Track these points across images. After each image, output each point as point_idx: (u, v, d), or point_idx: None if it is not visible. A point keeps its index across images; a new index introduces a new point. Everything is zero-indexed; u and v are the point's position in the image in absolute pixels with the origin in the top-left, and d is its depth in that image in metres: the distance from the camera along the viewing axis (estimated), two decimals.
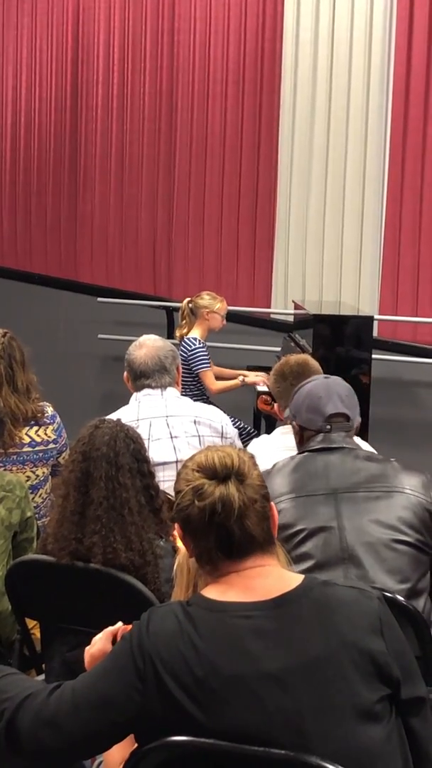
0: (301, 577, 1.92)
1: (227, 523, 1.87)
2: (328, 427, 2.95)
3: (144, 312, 7.71)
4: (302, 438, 3.04)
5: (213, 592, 1.88)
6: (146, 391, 3.85)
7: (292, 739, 1.74)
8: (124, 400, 3.96)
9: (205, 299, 5.96)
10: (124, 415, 3.66)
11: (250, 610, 1.83)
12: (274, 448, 3.49)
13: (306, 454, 2.96)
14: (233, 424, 5.53)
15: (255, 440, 3.94)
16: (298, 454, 3.01)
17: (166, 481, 3.49)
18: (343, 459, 2.89)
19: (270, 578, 1.90)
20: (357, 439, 3.40)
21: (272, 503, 2.00)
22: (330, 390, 3.03)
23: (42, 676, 2.97)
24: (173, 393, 3.88)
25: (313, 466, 2.88)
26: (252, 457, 2.00)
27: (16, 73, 8.29)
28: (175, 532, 2.04)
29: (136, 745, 1.87)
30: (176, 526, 1.97)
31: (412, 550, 2.72)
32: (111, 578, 2.70)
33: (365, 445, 3.48)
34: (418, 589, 2.73)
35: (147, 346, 3.88)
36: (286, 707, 1.75)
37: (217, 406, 4.99)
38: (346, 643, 1.81)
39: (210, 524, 1.88)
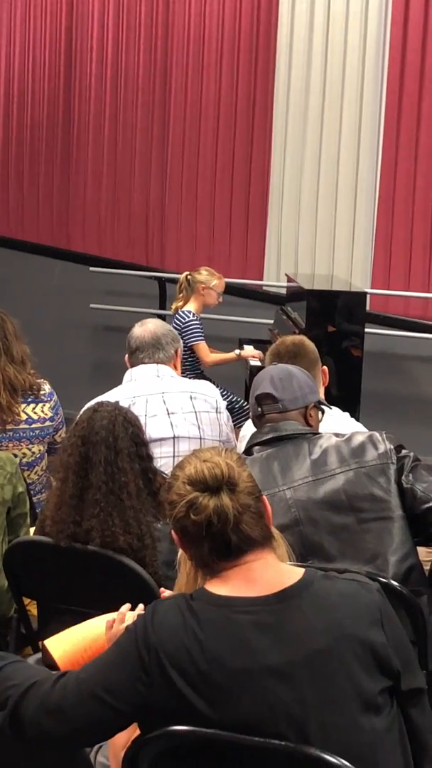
0: (302, 570, 1.94)
1: (224, 532, 1.90)
2: (259, 409, 2.93)
3: (136, 282, 7.70)
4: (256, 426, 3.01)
5: (215, 587, 1.91)
6: (141, 367, 3.88)
7: (295, 731, 1.77)
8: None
9: (203, 274, 5.96)
10: (120, 392, 3.68)
11: (252, 605, 1.86)
12: None
13: (257, 454, 2.87)
14: (226, 397, 5.59)
15: (248, 423, 3.98)
16: (250, 447, 2.92)
17: (162, 457, 3.53)
18: (295, 453, 2.81)
19: (269, 570, 1.92)
20: (335, 411, 3.40)
21: (263, 496, 2.02)
22: (266, 374, 3.02)
23: (38, 655, 3.00)
24: (168, 371, 3.90)
25: (266, 466, 2.80)
26: (239, 457, 2.01)
27: (9, 42, 8.18)
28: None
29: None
30: (173, 534, 1.99)
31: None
32: (109, 560, 2.73)
33: (339, 415, 3.48)
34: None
35: (147, 326, 3.94)
36: (290, 700, 1.79)
37: (211, 380, 5.02)
38: (347, 636, 1.84)
39: (207, 534, 1.90)
